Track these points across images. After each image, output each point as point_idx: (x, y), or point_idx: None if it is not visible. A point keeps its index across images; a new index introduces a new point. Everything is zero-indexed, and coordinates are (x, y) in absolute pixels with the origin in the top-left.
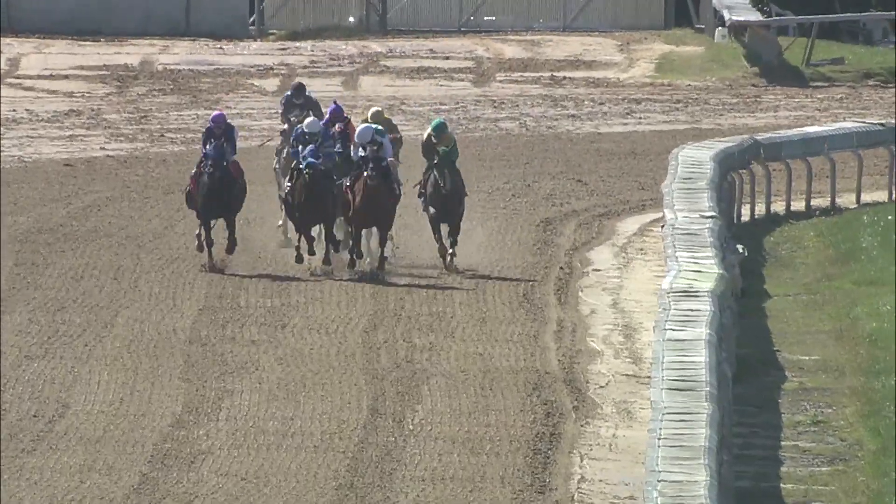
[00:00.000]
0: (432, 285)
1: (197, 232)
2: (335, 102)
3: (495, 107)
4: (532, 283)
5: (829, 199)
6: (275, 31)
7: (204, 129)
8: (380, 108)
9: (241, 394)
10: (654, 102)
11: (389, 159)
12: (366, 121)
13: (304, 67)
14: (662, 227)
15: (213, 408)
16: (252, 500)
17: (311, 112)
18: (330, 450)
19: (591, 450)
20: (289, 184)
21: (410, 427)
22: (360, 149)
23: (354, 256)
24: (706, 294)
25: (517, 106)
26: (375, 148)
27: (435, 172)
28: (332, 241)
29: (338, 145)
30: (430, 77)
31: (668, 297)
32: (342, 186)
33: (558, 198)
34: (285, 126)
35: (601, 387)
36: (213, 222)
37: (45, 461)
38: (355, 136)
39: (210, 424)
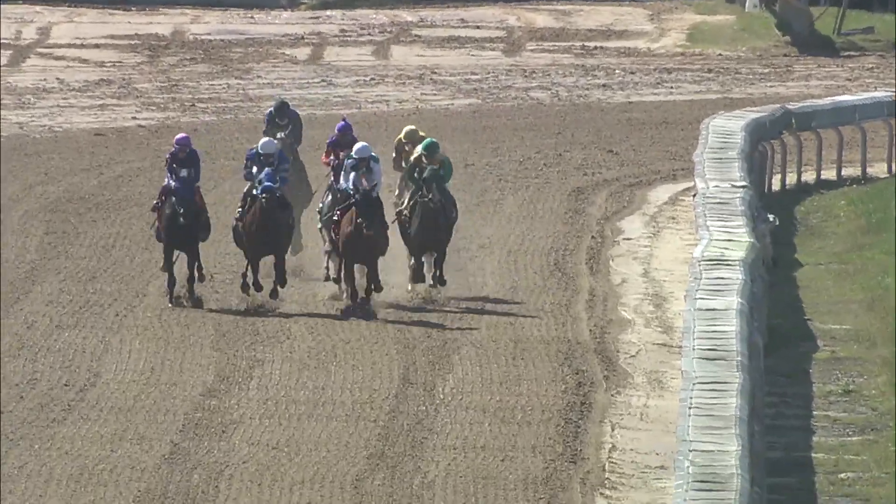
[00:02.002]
0: (463, 255)
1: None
2: (344, 119)
3: (526, 76)
4: (563, 253)
5: (861, 168)
6: (306, 0)
7: (168, 154)
8: (414, 127)
9: (272, 363)
10: (685, 72)
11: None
12: (400, 140)
13: (335, 37)
14: (694, 196)
15: (244, 377)
16: (283, 469)
17: (291, 126)
18: (361, 419)
19: (623, 419)
20: (240, 209)
21: (441, 396)
22: (352, 173)
23: (341, 287)
24: (737, 263)
25: (548, 75)
26: (367, 188)
27: (423, 188)
28: (281, 274)
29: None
30: (460, 46)
31: (700, 266)
32: (333, 218)
33: (589, 167)
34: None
35: (632, 356)
36: (176, 254)
37: (77, 430)
38: (353, 151)
39: (241, 394)
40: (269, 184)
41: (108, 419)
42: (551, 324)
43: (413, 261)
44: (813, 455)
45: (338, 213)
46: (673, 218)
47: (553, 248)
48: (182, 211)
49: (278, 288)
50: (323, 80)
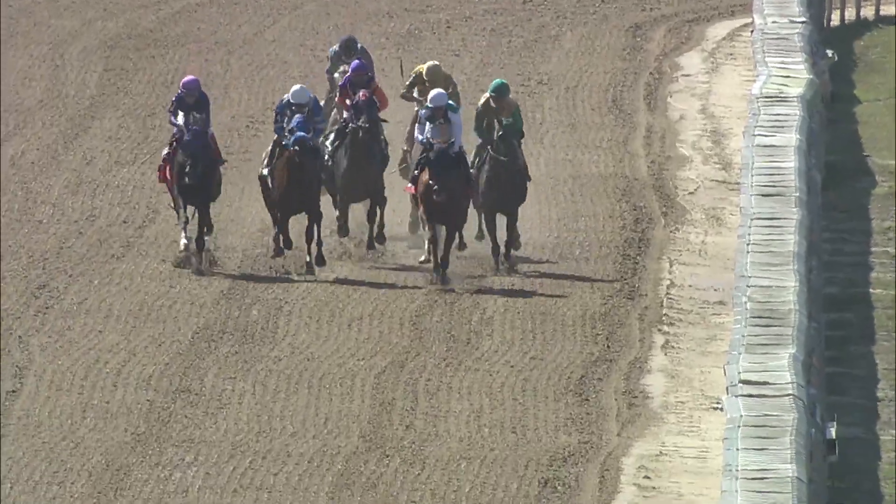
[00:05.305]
0: (520, 92)
1: (180, 225)
2: (359, 58)
3: None
4: (621, 89)
5: None
6: None
7: (173, 98)
8: (437, 63)
9: (332, 202)
10: None
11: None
12: (419, 73)
13: None
14: (752, 31)
15: (303, 215)
16: (342, 305)
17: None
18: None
19: (681, 255)
20: (268, 165)
21: (499, 232)
22: (427, 125)
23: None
24: (796, 99)
25: None
26: (442, 146)
27: (500, 146)
28: (319, 235)
29: (361, 119)
30: None
31: (758, 102)
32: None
33: (648, 3)
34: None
35: (690, 193)
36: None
37: (135, 267)
38: (428, 100)
39: (302, 230)
40: (301, 133)
41: (166, 255)
42: (609, 160)
43: (481, 223)
44: (871, 290)
45: (416, 170)
46: (731, 54)
47: (611, 85)
48: (190, 169)
49: (321, 250)
50: None
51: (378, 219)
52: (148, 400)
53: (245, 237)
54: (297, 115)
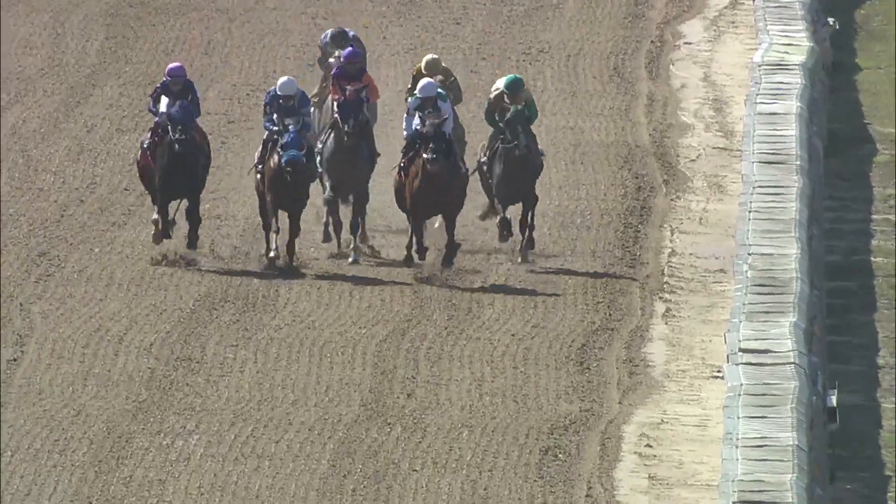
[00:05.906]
0: (522, 60)
1: (154, 217)
2: (352, 45)
3: None
4: (623, 57)
5: None
6: None
7: (158, 86)
8: (436, 56)
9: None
10: None
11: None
12: (419, 70)
13: None
14: (754, 0)
15: None
16: (342, 275)
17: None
18: None
19: (682, 223)
20: (260, 161)
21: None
22: (417, 117)
23: (413, 252)
24: (797, 67)
25: None
26: (435, 121)
27: (506, 132)
28: (295, 230)
29: (349, 123)
30: None
31: (760, 70)
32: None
33: None
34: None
35: (692, 160)
36: (173, 204)
37: (137, 235)
38: (417, 90)
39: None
40: (294, 152)
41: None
42: (611, 128)
43: (498, 216)
44: (872, 258)
45: (403, 162)
46: (733, 22)
47: (612, 53)
48: (179, 137)
49: (294, 242)
50: None
51: (360, 222)
52: (149, 368)
53: (247, 206)
54: (290, 128)
